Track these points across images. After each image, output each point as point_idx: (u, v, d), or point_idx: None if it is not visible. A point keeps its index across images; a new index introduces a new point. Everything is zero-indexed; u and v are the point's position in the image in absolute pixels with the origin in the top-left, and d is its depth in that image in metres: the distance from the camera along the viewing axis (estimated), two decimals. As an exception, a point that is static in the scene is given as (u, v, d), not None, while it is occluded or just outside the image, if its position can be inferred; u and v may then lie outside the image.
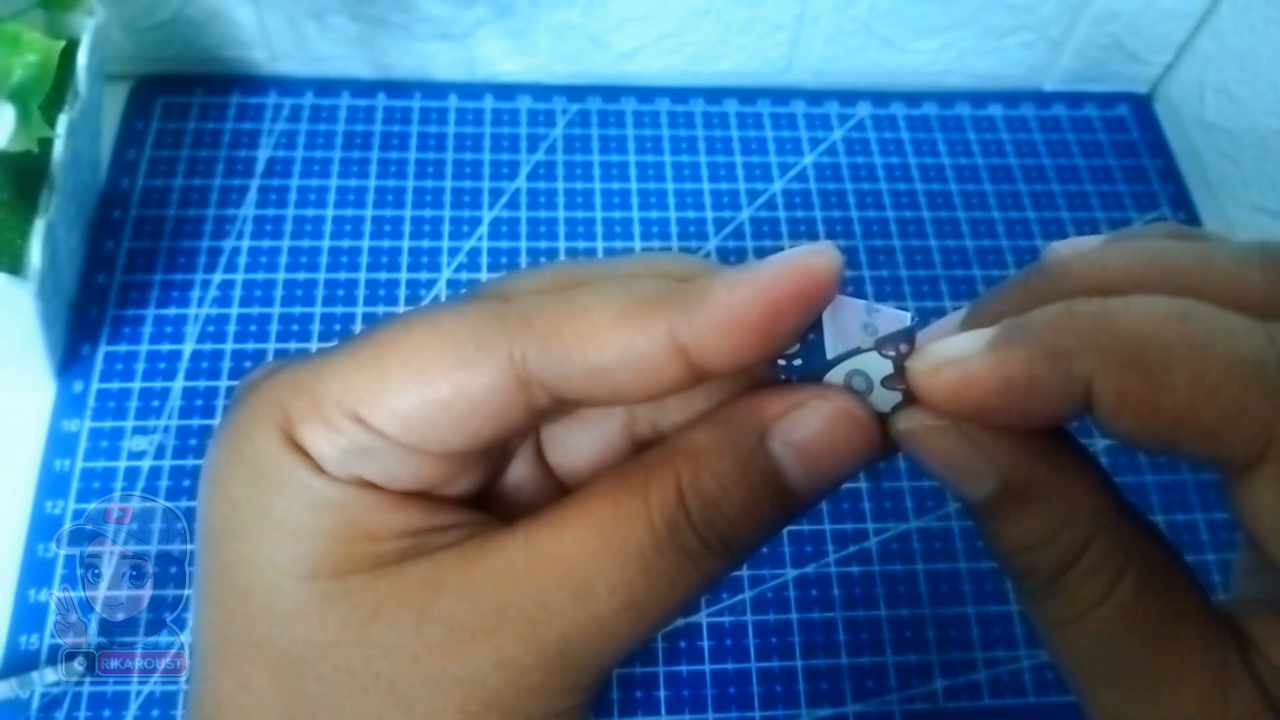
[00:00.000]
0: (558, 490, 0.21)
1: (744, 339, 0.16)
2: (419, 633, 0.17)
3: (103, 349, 0.43)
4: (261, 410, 0.18)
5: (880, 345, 0.17)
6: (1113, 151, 0.53)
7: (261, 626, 0.17)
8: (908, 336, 0.17)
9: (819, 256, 0.16)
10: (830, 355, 0.17)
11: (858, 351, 0.17)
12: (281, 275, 0.46)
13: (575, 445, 0.21)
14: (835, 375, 0.17)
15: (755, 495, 0.17)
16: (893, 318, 0.17)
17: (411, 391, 0.17)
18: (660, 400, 0.18)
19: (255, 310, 0.45)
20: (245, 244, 0.46)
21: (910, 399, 0.17)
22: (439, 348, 0.17)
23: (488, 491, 0.20)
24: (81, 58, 0.39)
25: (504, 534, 0.18)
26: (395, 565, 0.17)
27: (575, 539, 0.17)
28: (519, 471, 0.21)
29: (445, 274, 0.47)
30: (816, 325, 0.17)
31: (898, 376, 0.17)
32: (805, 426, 0.17)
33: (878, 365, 0.17)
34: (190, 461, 0.41)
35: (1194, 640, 0.16)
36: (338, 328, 0.45)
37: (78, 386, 0.42)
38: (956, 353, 0.16)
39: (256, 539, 0.17)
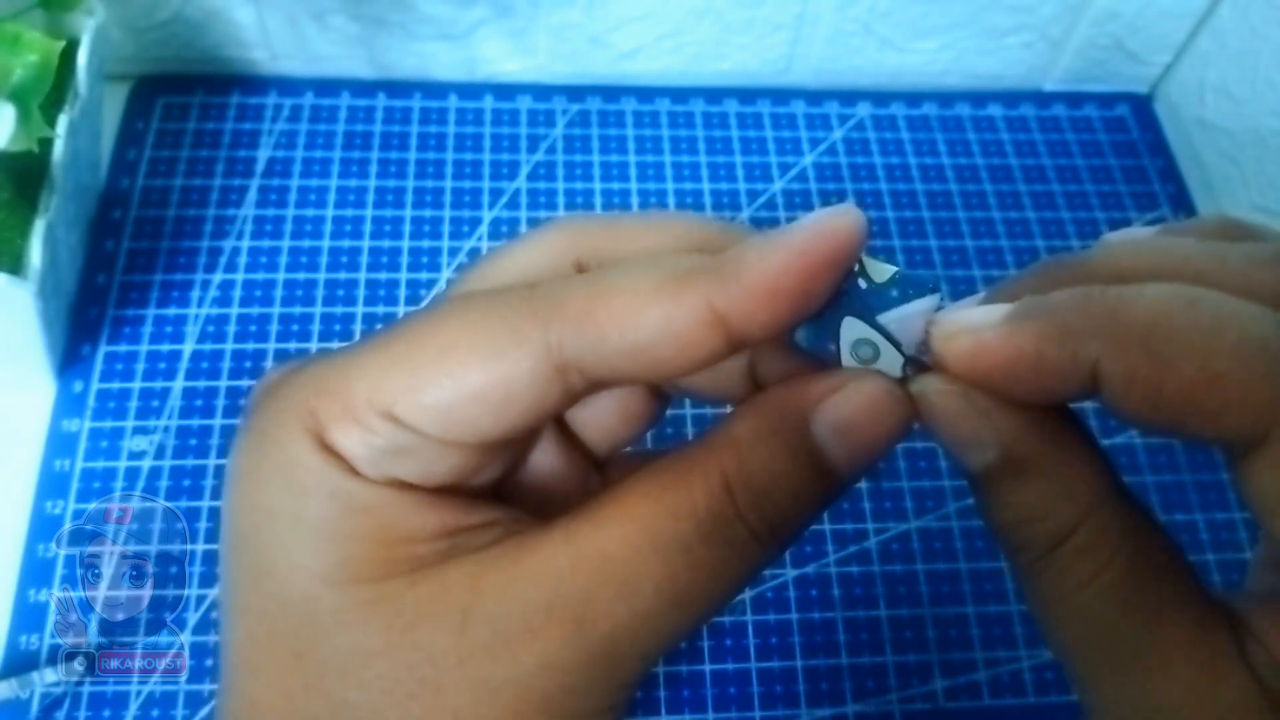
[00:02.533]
0: (580, 474, 0.21)
1: (782, 304, 0.16)
2: (464, 636, 0.16)
3: (103, 349, 0.43)
4: (288, 414, 0.17)
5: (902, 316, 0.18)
6: (1113, 151, 0.53)
7: (302, 636, 0.17)
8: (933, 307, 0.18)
9: (845, 218, 0.17)
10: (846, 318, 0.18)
11: (877, 314, 0.18)
12: (281, 275, 0.46)
13: (600, 413, 0.21)
14: (843, 341, 0.18)
15: (804, 480, 0.17)
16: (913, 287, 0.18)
17: (446, 386, 0.17)
18: (698, 372, 0.18)
19: (255, 310, 0.45)
20: (245, 244, 0.46)
21: (921, 368, 0.18)
22: (472, 340, 0.17)
23: (511, 479, 0.20)
24: (81, 58, 0.39)
25: (543, 533, 0.17)
26: (434, 568, 0.17)
27: (618, 535, 0.17)
28: (541, 456, 0.21)
29: (445, 274, 0.47)
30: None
31: (921, 346, 0.18)
32: (847, 407, 0.17)
33: (898, 329, 0.18)
34: (190, 461, 0.41)
35: (1187, 625, 0.16)
36: (338, 328, 0.45)
37: (78, 386, 0.42)
38: (974, 322, 0.17)
39: (291, 546, 0.17)
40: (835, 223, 0.17)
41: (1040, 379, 0.16)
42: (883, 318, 0.18)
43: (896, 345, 0.18)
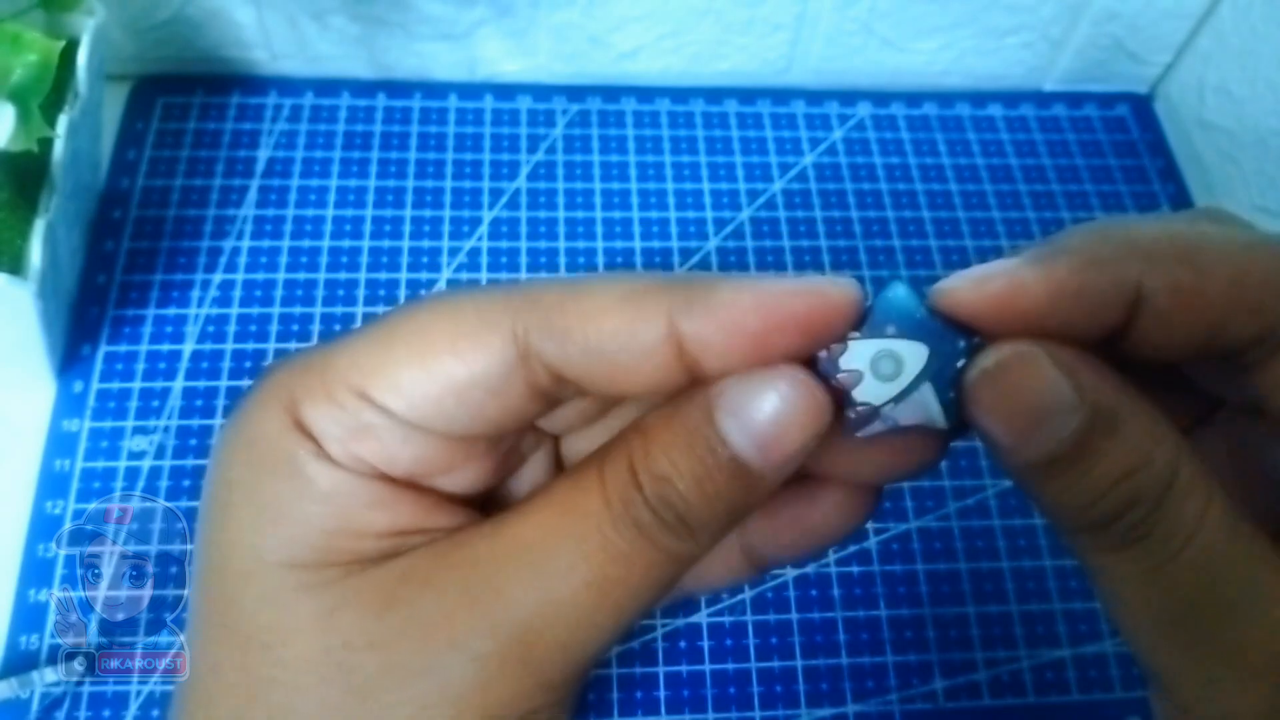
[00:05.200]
0: None
1: (740, 343, 0.16)
2: (381, 621, 0.16)
3: (103, 349, 0.43)
4: (269, 391, 0.18)
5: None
6: (1113, 151, 0.53)
7: (232, 610, 0.17)
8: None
9: (835, 287, 0.16)
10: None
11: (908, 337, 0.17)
12: (281, 275, 0.46)
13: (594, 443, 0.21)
14: (861, 357, 0.17)
15: (706, 471, 0.16)
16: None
17: (415, 365, 0.17)
18: (654, 397, 0.18)
19: (255, 310, 0.45)
20: (245, 244, 0.46)
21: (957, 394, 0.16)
22: (444, 324, 0.17)
23: (497, 496, 0.20)
24: (81, 58, 0.39)
25: (473, 528, 0.18)
26: (373, 563, 0.17)
27: (535, 522, 0.17)
28: (536, 477, 0.21)
29: (445, 274, 0.47)
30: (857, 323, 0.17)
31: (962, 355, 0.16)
32: (751, 401, 0.16)
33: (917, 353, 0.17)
34: (190, 462, 0.41)
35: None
36: (338, 328, 0.45)
37: (78, 386, 0.42)
38: (998, 269, 0.16)
39: (242, 520, 0.17)
40: (820, 287, 0.16)
41: (1084, 310, 0.16)
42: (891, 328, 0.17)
43: (930, 334, 0.16)
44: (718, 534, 0.17)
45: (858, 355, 0.17)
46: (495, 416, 0.17)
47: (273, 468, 0.17)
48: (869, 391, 0.17)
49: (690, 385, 0.17)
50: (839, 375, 0.17)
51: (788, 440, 0.16)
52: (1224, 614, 0.16)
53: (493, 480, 0.20)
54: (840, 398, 0.17)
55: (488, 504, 0.20)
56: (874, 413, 0.17)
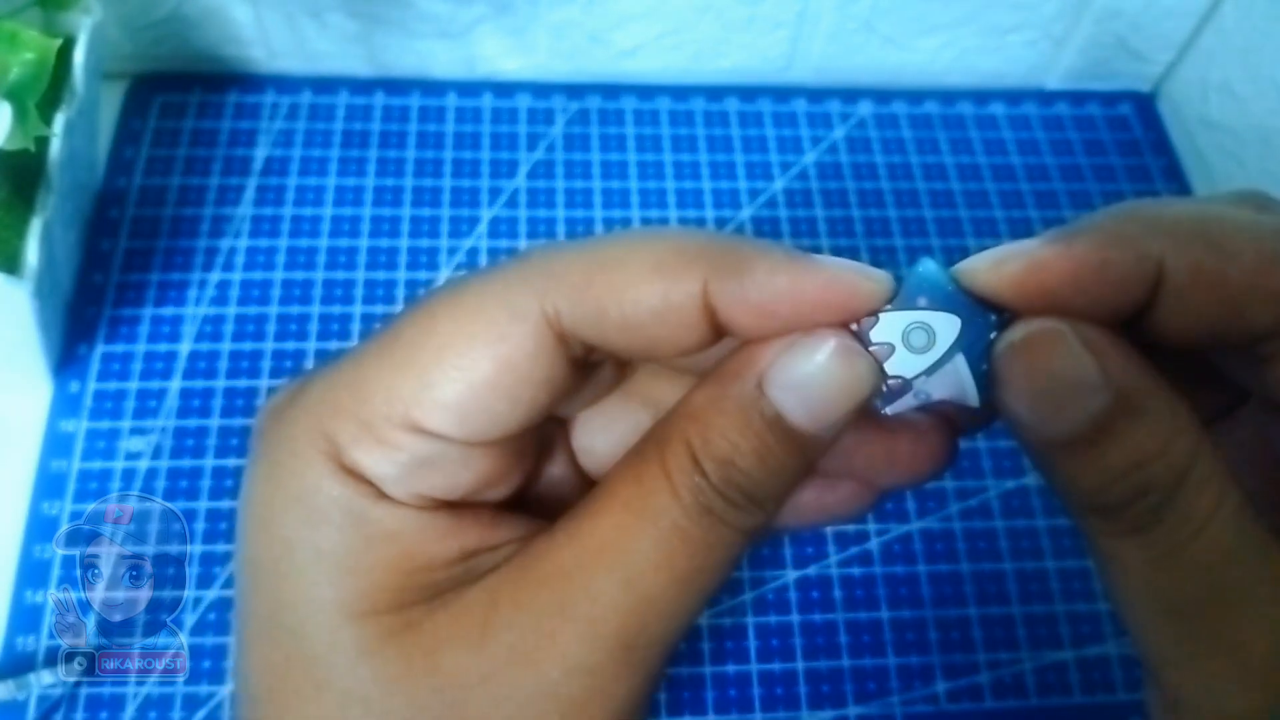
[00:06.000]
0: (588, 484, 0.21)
1: (769, 324, 0.16)
2: (482, 653, 0.16)
3: (99, 349, 0.43)
4: (302, 441, 0.17)
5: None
6: (1116, 150, 0.53)
7: (322, 667, 0.17)
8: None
9: (869, 281, 0.16)
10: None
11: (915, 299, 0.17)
12: (279, 274, 0.46)
13: (605, 444, 0.20)
14: (893, 329, 0.17)
15: (765, 444, 0.17)
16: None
17: (458, 380, 0.16)
18: (691, 355, 0.18)
19: (253, 310, 0.45)
20: (243, 243, 0.46)
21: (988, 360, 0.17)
22: (471, 329, 0.16)
23: (528, 497, 0.20)
24: (78, 56, 0.39)
25: (547, 537, 0.17)
26: (452, 593, 0.17)
27: (612, 525, 0.17)
28: (556, 474, 0.20)
29: (444, 273, 0.46)
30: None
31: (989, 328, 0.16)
32: (798, 366, 0.17)
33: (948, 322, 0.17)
34: (188, 462, 0.41)
35: None
36: (335, 327, 0.45)
37: (74, 387, 0.42)
38: (1019, 248, 0.16)
39: (311, 579, 0.17)
40: (855, 281, 0.16)
41: (1106, 287, 0.16)
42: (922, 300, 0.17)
43: (961, 307, 0.16)
44: (783, 500, 0.17)
45: (889, 328, 0.17)
46: (544, 400, 0.17)
47: (331, 520, 0.17)
48: (901, 364, 0.17)
49: (717, 339, 0.17)
50: (870, 349, 0.17)
51: (839, 404, 0.17)
52: (1226, 611, 0.16)
53: (528, 479, 0.20)
54: None
55: (519, 507, 0.19)
56: (906, 386, 0.17)
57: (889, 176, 0.51)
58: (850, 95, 0.53)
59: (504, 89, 0.52)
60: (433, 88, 0.52)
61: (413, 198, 0.48)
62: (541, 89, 0.52)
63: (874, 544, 0.41)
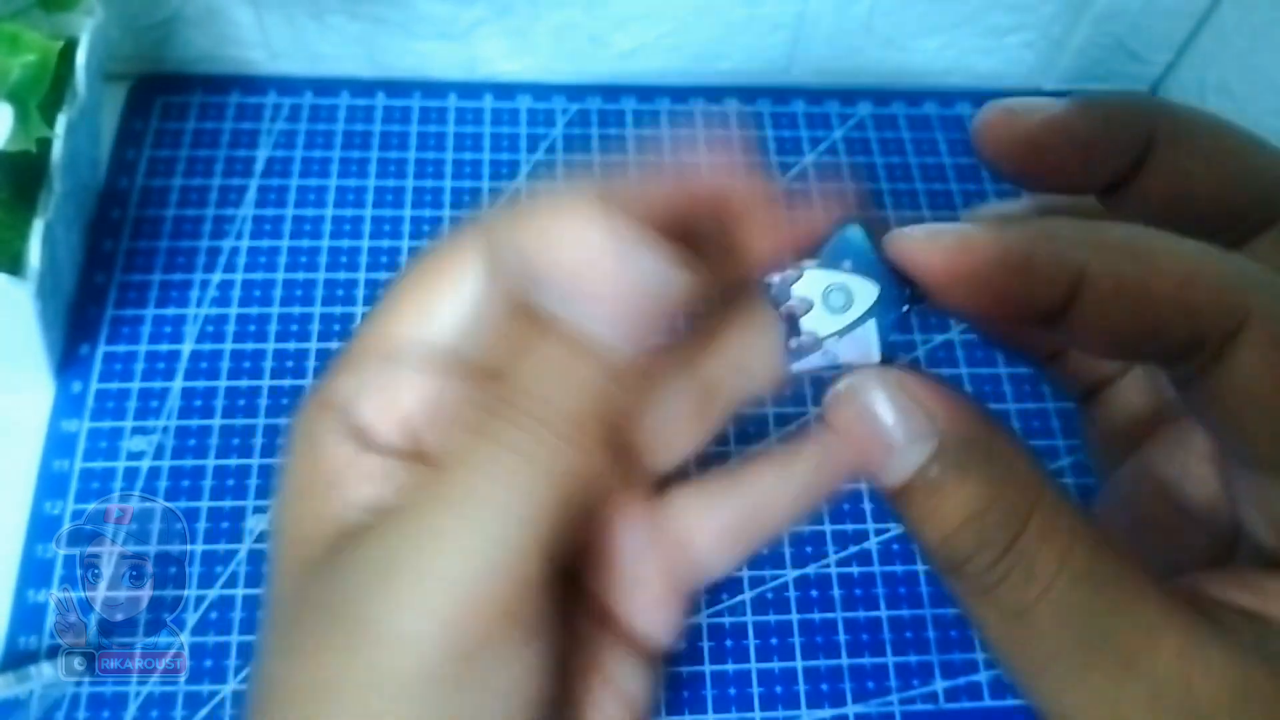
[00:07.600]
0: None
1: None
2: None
3: (101, 349, 0.43)
4: (315, 424, 0.18)
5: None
6: (1114, 151, 0.53)
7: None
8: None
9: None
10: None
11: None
12: (281, 275, 0.46)
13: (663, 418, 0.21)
14: (815, 286, 0.17)
15: (556, 359, 0.17)
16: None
17: (430, 309, 0.18)
18: None
19: (254, 310, 0.45)
20: (244, 244, 0.46)
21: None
22: (427, 278, 0.18)
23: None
24: (80, 57, 0.39)
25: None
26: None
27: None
28: None
29: (445, 274, 0.46)
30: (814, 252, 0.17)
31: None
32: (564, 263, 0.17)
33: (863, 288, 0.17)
34: (189, 462, 0.41)
35: (1161, 597, 0.15)
36: (337, 327, 0.45)
37: (76, 387, 0.42)
38: (954, 228, 0.16)
39: (399, 596, 0.16)
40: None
41: (1025, 284, 0.15)
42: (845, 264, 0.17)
43: (881, 276, 0.17)
44: (596, 430, 0.17)
45: (811, 284, 0.17)
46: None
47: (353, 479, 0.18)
48: (817, 321, 0.17)
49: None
50: (790, 301, 0.17)
51: (621, 300, 0.16)
52: (1089, 673, 0.15)
53: None
54: (786, 323, 0.17)
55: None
56: (817, 344, 0.17)
57: (888, 177, 0.51)
58: (849, 96, 0.53)
59: (505, 90, 0.52)
60: (434, 89, 0.52)
61: (414, 199, 0.48)
62: (542, 90, 0.52)
63: (873, 543, 0.41)
